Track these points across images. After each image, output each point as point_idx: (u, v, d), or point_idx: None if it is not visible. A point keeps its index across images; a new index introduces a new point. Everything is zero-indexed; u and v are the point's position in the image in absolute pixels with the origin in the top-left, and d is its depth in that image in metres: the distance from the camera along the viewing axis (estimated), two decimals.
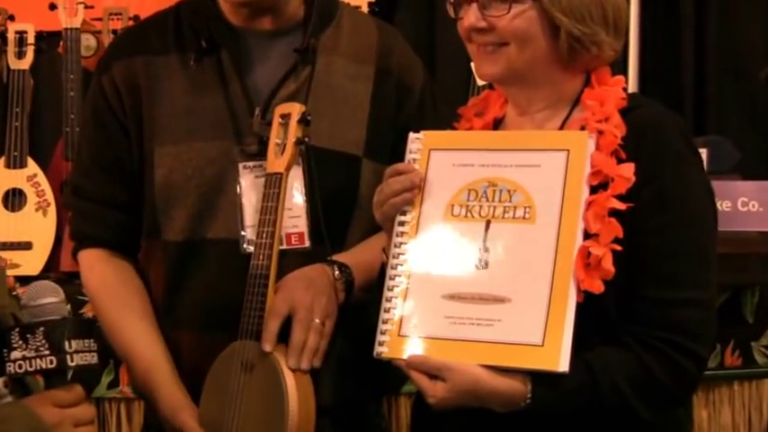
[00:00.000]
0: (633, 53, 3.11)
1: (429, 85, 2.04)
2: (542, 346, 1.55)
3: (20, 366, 1.52)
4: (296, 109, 1.85)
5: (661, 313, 1.58)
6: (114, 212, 1.97)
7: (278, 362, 1.75)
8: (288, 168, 1.83)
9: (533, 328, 1.55)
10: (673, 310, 1.58)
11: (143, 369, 1.89)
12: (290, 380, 1.74)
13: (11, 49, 3.20)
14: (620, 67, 2.85)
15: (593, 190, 1.60)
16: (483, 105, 1.79)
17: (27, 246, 3.00)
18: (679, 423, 1.70)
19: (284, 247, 1.85)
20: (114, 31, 3.24)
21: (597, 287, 1.56)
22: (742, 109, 3.41)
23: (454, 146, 1.70)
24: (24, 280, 2.71)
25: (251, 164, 1.89)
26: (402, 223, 1.68)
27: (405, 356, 1.61)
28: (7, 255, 2.94)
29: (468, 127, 1.77)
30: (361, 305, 1.82)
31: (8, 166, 3.08)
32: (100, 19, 3.29)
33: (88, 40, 3.26)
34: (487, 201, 1.64)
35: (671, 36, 3.40)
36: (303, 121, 1.84)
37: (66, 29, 3.18)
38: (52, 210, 3.04)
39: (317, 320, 1.79)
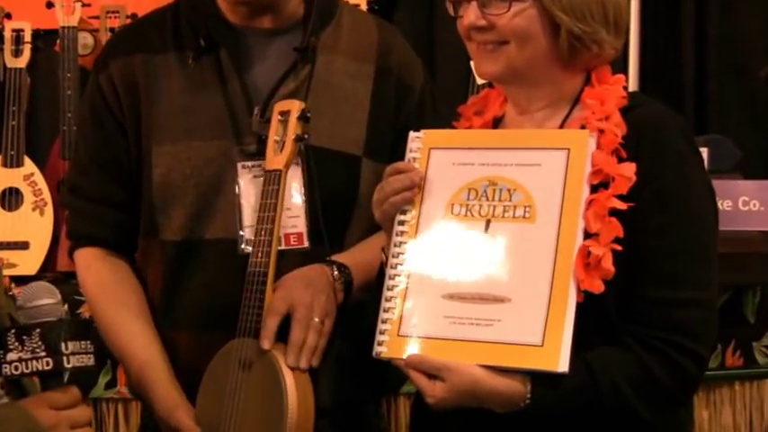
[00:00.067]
0: (634, 51, 3.10)
1: (429, 84, 2.05)
2: (542, 346, 1.54)
3: (16, 368, 1.52)
4: (295, 106, 1.85)
5: (661, 313, 1.58)
6: (111, 211, 1.96)
7: (277, 360, 1.75)
8: (287, 165, 1.83)
9: (533, 328, 1.55)
10: (673, 310, 1.58)
11: (138, 368, 1.89)
12: (289, 378, 1.74)
13: (7, 47, 3.19)
14: (620, 65, 2.85)
15: (594, 189, 1.60)
16: (483, 104, 1.79)
17: (24, 245, 2.99)
18: (680, 423, 1.70)
19: (283, 247, 1.85)
20: (112, 30, 3.24)
21: (597, 287, 1.56)
22: (743, 107, 3.41)
23: (454, 145, 1.69)
24: (21, 280, 2.71)
25: (250, 163, 1.89)
26: (402, 222, 1.67)
27: (404, 356, 1.61)
28: (4, 254, 2.94)
29: (467, 126, 1.77)
30: (360, 305, 1.81)
31: (5, 165, 3.08)
32: (97, 17, 3.28)
33: (85, 39, 3.26)
34: (487, 200, 1.63)
35: (671, 34, 3.40)
36: (303, 117, 1.84)
37: (63, 27, 3.18)
38: (49, 209, 3.03)
39: (317, 319, 1.79)
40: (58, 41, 3.19)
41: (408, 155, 1.69)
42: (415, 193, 1.67)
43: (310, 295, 1.80)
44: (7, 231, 3.00)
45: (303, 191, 1.88)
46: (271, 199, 1.81)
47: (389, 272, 1.66)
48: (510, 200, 1.62)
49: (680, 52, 3.38)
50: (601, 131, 1.61)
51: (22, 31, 3.21)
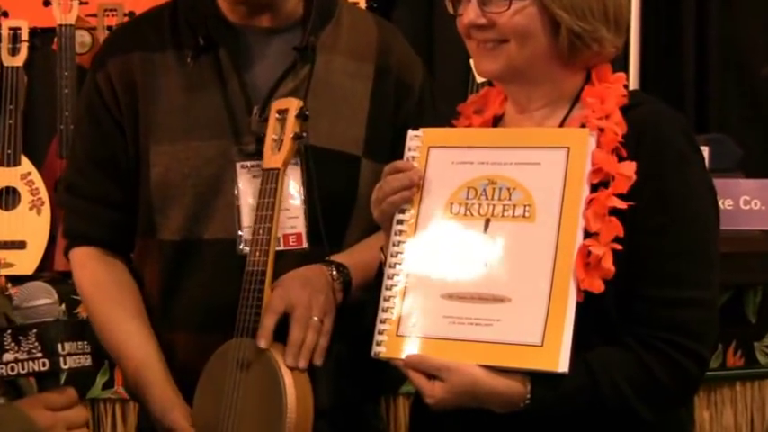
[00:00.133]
0: (634, 50, 3.10)
1: (428, 83, 2.04)
2: (542, 346, 1.54)
3: (12, 369, 1.51)
4: (293, 104, 1.84)
5: (662, 313, 1.58)
6: (108, 211, 1.96)
7: (275, 360, 1.74)
8: (285, 164, 1.83)
9: (533, 328, 1.55)
10: (674, 310, 1.58)
11: (134, 368, 1.88)
12: (287, 378, 1.73)
13: (4, 45, 3.18)
14: (620, 63, 2.84)
15: (594, 188, 1.59)
16: (482, 103, 1.78)
17: (21, 245, 2.99)
18: (680, 424, 1.70)
19: (282, 248, 1.84)
20: (109, 28, 3.23)
21: (597, 287, 1.55)
22: (744, 106, 3.40)
23: (453, 143, 1.69)
24: (18, 279, 2.71)
25: (249, 163, 1.88)
26: (401, 222, 1.67)
27: (403, 356, 1.60)
28: (1, 254, 2.94)
29: (467, 124, 1.77)
30: (359, 305, 1.81)
31: (2, 164, 3.07)
32: (95, 15, 3.28)
33: (83, 37, 3.25)
34: (487, 199, 1.63)
35: (672, 33, 3.39)
36: (301, 116, 1.84)
37: (60, 25, 3.17)
38: (46, 208, 3.03)
39: (316, 318, 1.79)
40: (55, 40, 3.19)
41: (407, 153, 1.69)
42: (414, 193, 1.66)
43: (309, 295, 1.79)
44: (4, 231, 3.00)
45: (302, 191, 1.87)
46: (268, 198, 1.80)
47: (388, 271, 1.65)
48: (509, 199, 1.61)
49: (681, 51, 3.38)
50: (601, 130, 1.61)
51: (19, 29, 3.20)
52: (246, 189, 1.87)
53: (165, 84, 1.92)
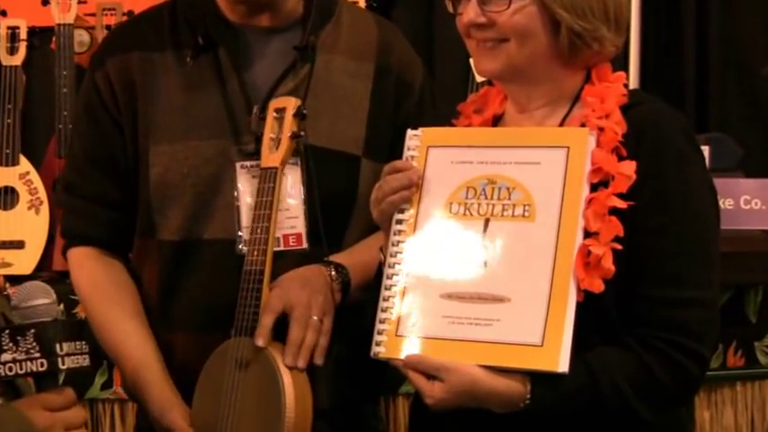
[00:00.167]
0: (634, 49, 3.10)
1: (428, 82, 2.04)
2: (542, 346, 1.54)
3: (10, 369, 1.51)
4: (291, 103, 1.84)
5: (663, 313, 1.57)
6: (106, 210, 1.95)
7: (274, 359, 1.74)
8: (283, 163, 1.82)
9: (533, 328, 1.55)
10: (675, 310, 1.57)
11: (133, 368, 1.88)
12: (286, 377, 1.73)
13: (2, 44, 3.18)
14: (621, 63, 2.84)
15: (594, 188, 1.59)
16: (482, 102, 1.78)
17: (19, 245, 2.99)
18: (681, 424, 1.70)
19: (281, 248, 1.84)
20: (108, 27, 3.23)
21: (597, 286, 1.55)
22: (744, 105, 3.40)
23: (453, 143, 1.68)
24: (16, 279, 2.72)
25: (248, 163, 1.88)
26: (400, 221, 1.66)
27: (402, 356, 1.60)
28: None
29: (466, 124, 1.77)
30: (358, 305, 1.80)
31: (0, 163, 3.07)
32: (93, 14, 3.28)
33: (81, 36, 3.25)
34: (486, 198, 1.62)
35: (672, 32, 3.39)
36: (299, 114, 1.83)
37: (58, 24, 3.17)
38: (45, 208, 3.02)
39: (315, 318, 1.78)
40: (53, 39, 3.19)
41: (406, 153, 1.69)
42: (413, 192, 1.66)
43: (307, 294, 1.79)
44: (2, 230, 3.00)
45: (302, 191, 1.87)
46: (267, 197, 1.80)
47: (387, 271, 1.65)
48: (509, 198, 1.61)
49: (681, 50, 3.38)
50: (601, 129, 1.61)
51: (18, 28, 3.20)
52: (246, 189, 1.87)
53: (164, 83, 1.91)
